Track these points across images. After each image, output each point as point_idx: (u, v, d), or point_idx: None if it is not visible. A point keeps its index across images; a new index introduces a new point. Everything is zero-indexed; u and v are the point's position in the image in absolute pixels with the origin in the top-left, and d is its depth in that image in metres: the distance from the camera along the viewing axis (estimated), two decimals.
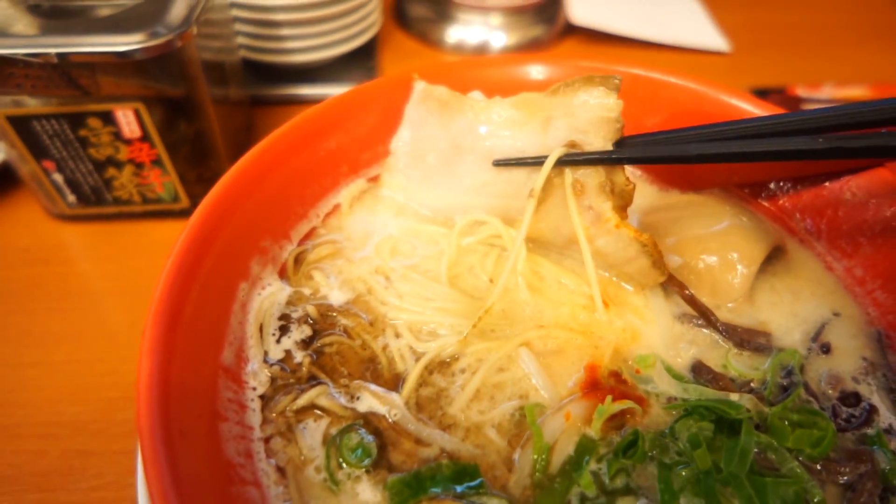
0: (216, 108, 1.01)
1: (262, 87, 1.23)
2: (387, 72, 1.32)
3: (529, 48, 1.42)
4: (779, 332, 0.63)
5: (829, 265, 0.69)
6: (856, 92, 1.28)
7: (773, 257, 0.68)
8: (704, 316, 0.61)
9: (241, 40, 1.18)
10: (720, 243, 0.64)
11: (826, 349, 0.61)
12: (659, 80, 0.78)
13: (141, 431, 0.43)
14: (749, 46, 1.41)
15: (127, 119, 0.87)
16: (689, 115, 0.78)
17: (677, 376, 0.58)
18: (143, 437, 0.43)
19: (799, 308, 0.65)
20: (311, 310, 0.61)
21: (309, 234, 0.71)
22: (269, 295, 0.63)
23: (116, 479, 0.70)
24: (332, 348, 0.59)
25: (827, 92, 1.28)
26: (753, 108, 0.74)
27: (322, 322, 0.61)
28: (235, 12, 1.13)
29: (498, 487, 0.51)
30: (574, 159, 0.60)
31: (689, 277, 0.64)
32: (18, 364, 0.82)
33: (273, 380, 0.57)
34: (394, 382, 0.57)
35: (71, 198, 0.96)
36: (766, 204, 0.76)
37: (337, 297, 0.64)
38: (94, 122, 0.87)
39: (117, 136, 0.89)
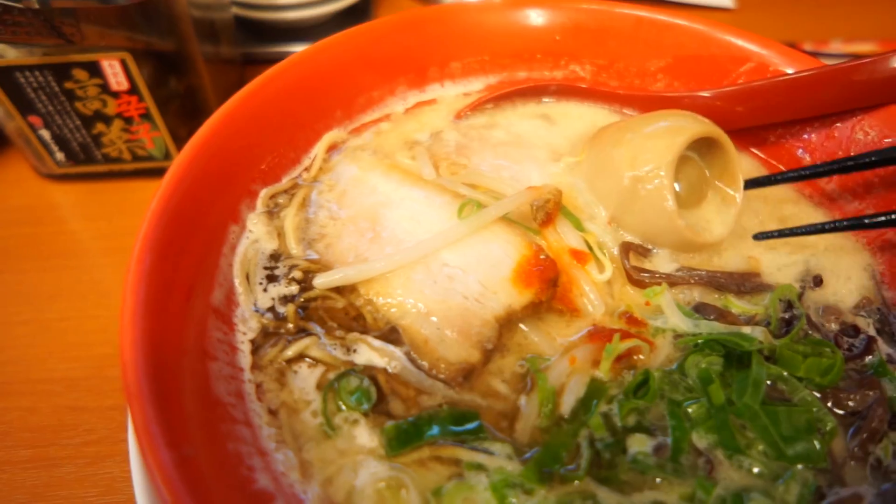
0: (207, 65, 0.98)
1: (254, 45, 1.20)
2: None
3: None
4: (769, 268, 0.61)
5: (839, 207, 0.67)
6: (864, 47, 1.25)
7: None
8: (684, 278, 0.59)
9: None
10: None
11: (818, 281, 0.60)
12: (663, 22, 0.75)
13: (124, 365, 0.41)
14: (756, 2, 1.37)
15: (114, 70, 0.84)
16: (694, 60, 0.75)
17: (686, 311, 0.56)
18: (127, 372, 0.41)
19: (792, 245, 0.63)
20: (296, 266, 0.58)
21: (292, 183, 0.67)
22: (253, 242, 0.60)
23: (108, 434, 0.69)
24: (318, 303, 0.56)
25: (835, 48, 1.25)
26: (760, 49, 0.72)
27: (307, 280, 0.58)
28: None
29: (504, 434, 0.49)
30: None
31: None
32: (9, 322, 0.80)
33: (263, 327, 0.55)
34: (388, 334, 0.54)
35: (59, 155, 0.94)
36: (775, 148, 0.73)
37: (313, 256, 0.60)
38: (79, 74, 0.84)
39: (104, 88, 0.86)
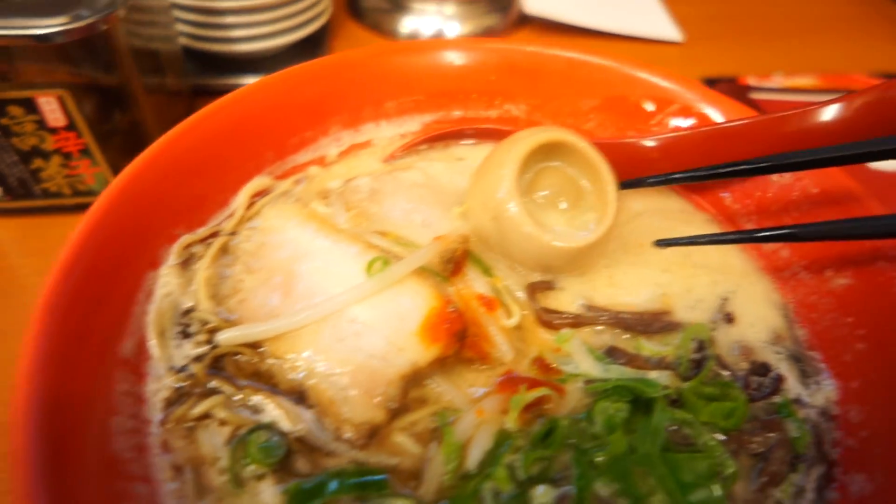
0: (151, 98, 0.98)
1: (205, 76, 1.20)
2: None
3: (484, 38, 1.40)
4: (683, 306, 0.63)
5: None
6: (805, 81, 1.29)
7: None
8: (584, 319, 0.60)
9: (182, 28, 1.15)
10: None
11: (729, 319, 0.62)
12: (593, 63, 0.77)
13: (13, 421, 0.41)
14: (702, 36, 1.41)
15: (51, 107, 0.84)
16: (623, 100, 0.77)
17: (598, 356, 0.57)
18: (15, 428, 0.40)
19: (705, 282, 0.65)
20: (207, 322, 0.58)
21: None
22: (166, 296, 0.59)
23: None
24: (228, 360, 0.55)
25: (777, 81, 1.29)
26: (685, 91, 0.74)
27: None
28: None
29: (411, 490, 0.49)
30: None
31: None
32: None
33: (176, 384, 0.54)
34: (296, 393, 0.53)
35: None
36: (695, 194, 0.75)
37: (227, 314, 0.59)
38: (14, 110, 0.83)
39: (41, 124, 0.85)
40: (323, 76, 0.74)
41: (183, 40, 1.16)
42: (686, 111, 0.74)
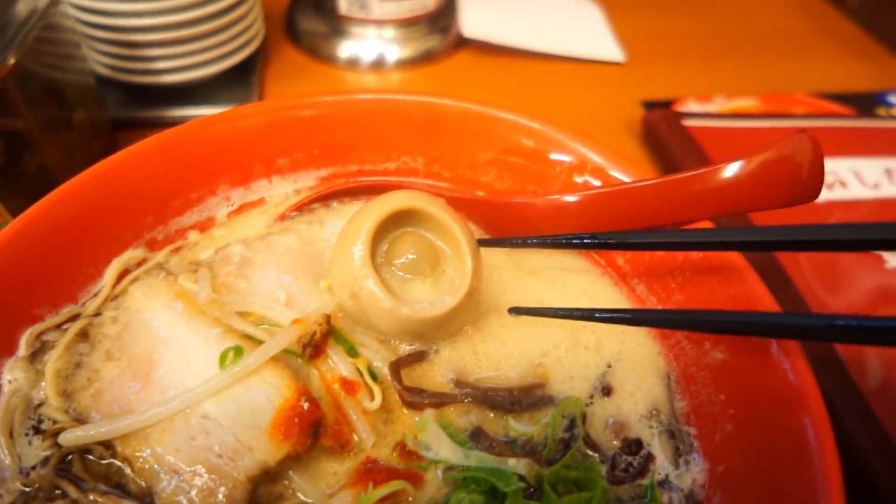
0: (57, 138, 0.96)
1: (127, 108, 1.17)
2: (270, 90, 1.27)
3: (424, 61, 1.38)
4: (561, 376, 0.61)
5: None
6: (746, 103, 1.27)
7: None
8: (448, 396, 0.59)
9: (101, 59, 1.12)
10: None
11: (607, 391, 0.61)
12: (488, 115, 0.75)
13: None
14: (645, 56, 1.39)
15: None
16: (519, 153, 0.75)
17: (458, 439, 0.55)
18: None
19: (588, 346, 0.64)
20: (55, 420, 0.55)
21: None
22: (16, 392, 0.56)
23: None
24: (77, 461, 0.53)
25: (718, 103, 1.27)
26: (579, 146, 0.72)
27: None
28: (90, 31, 1.07)
29: None
30: None
31: None
32: None
33: (24, 490, 0.51)
34: (143, 496, 0.51)
35: None
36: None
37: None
38: None
39: None
40: (206, 135, 0.72)
41: (102, 70, 1.14)
42: (582, 166, 0.72)
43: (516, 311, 0.64)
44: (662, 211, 0.62)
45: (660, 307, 0.66)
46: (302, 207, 0.75)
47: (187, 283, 0.63)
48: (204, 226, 0.73)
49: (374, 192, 0.76)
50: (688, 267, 0.64)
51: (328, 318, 0.58)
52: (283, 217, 0.74)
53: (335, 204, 0.76)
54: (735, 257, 0.60)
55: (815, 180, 0.53)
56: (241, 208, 0.75)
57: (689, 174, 0.60)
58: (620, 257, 0.71)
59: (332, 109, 0.76)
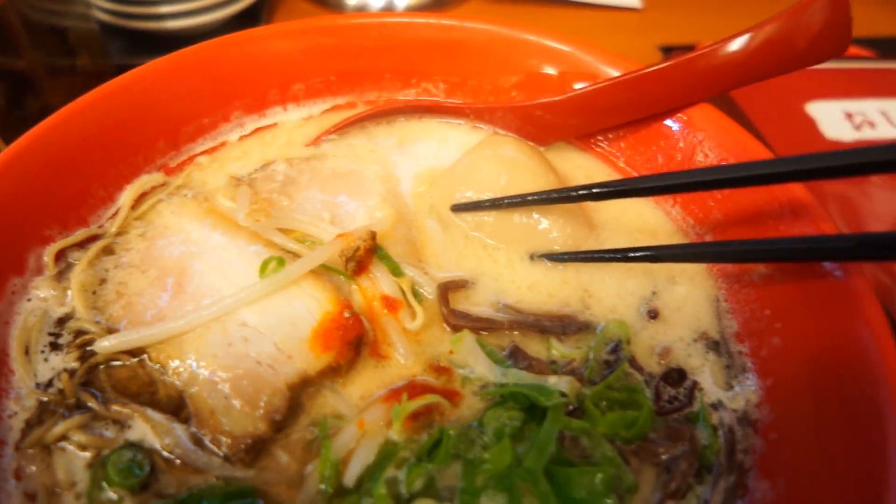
0: (60, 81, 0.93)
1: (131, 56, 1.13)
2: None
3: (434, 8, 1.34)
4: (608, 304, 0.59)
5: (682, 229, 0.65)
6: None
7: None
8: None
9: (103, 3, 1.08)
10: None
11: (654, 315, 0.58)
12: (513, 38, 0.71)
13: None
14: (662, 1, 1.34)
15: None
16: (545, 76, 0.72)
17: (496, 358, 0.53)
18: None
19: (630, 276, 0.61)
20: (82, 331, 0.54)
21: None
22: (35, 309, 0.55)
23: None
24: (103, 371, 0.51)
25: None
26: (609, 68, 0.68)
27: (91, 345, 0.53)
28: None
29: None
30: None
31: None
32: None
33: (41, 404, 0.50)
34: (173, 407, 0.50)
35: None
36: (627, 170, 0.70)
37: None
38: None
39: None
40: (222, 57, 0.68)
41: (104, 17, 1.10)
42: None
43: (550, 257, 0.61)
44: (680, 90, 0.63)
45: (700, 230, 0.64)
46: (333, 132, 0.72)
47: (223, 201, 0.60)
48: (217, 151, 0.70)
49: (413, 111, 0.73)
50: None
51: (373, 235, 0.56)
52: (318, 140, 0.71)
53: (370, 126, 0.73)
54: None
55: (839, 32, 0.52)
56: (254, 132, 0.72)
57: (697, 53, 0.61)
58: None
59: (350, 33, 0.72)
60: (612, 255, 0.58)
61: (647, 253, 0.56)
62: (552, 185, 0.62)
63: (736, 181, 0.49)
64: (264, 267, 0.54)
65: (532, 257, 0.61)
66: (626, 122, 0.68)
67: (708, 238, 0.63)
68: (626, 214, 0.66)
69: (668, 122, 0.66)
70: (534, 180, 0.61)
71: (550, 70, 0.72)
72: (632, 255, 0.56)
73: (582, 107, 0.68)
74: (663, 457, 0.49)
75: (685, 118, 0.64)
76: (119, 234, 0.61)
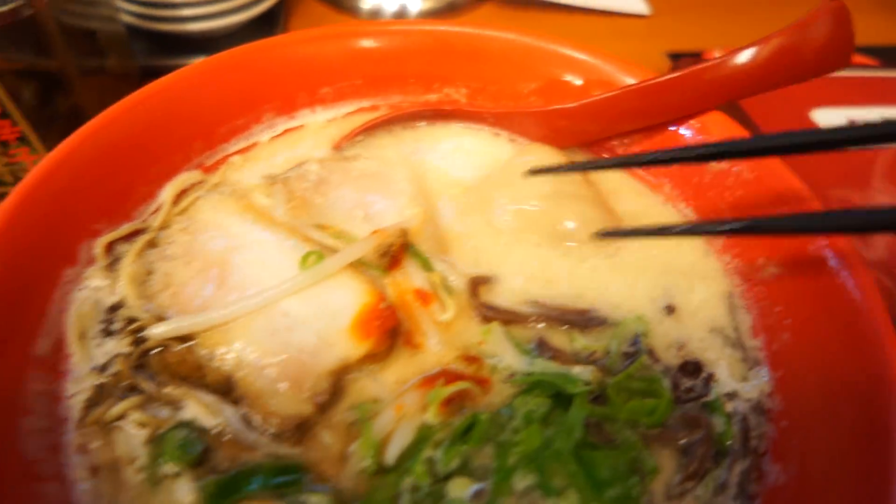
0: (91, 81, 0.95)
1: (154, 58, 1.17)
2: None
3: (447, 13, 1.37)
4: (627, 297, 0.62)
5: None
6: None
7: None
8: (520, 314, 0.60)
9: (127, 6, 1.11)
10: None
11: (671, 310, 0.61)
12: (530, 45, 0.75)
13: None
14: (670, 8, 1.38)
15: None
16: (562, 83, 0.75)
17: (523, 349, 0.56)
18: None
19: (647, 272, 0.64)
20: (134, 319, 0.57)
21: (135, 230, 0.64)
22: (89, 297, 0.58)
23: None
24: (155, 356, 0.54)
25: None
26: (626, 76, 0.72)
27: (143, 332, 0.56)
28: None
29: (329, 484, 0.49)
30: None
31: None
32: None
33: (97, 386, 0.53)
34: (222, 390, 0.53)
35: None
36: (640, 172, 0.74)
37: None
38: None
39: None
40: (254, 62, 0.71)
41: (129, 19, 1.13)
42: None
43: (604, 234, 0.63)
44: (689, 99, 0.66)
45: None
46: (357, 134, 0.75)
47: (260, 198, 0.63)
48: (249, 151, 0.73)
49: (436, 115, 0.76)
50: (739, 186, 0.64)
51: (406, 232, 0.59)
52: (338, 146, 0.74)
53: (396, 129, 0.77)
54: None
55: (842, 45, 0.55)
56: (284, 133, 0.75)
57: (706, 64, 0.64)
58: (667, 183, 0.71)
59: (377, 39, 0.75)
60: (697, 229, 0.61)
61: (744, 224, 0.52)
62: (590, 193, 0.65)
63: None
64: (305, 260, 0.57)
65: (568, 243, 0.65)
66: (641, 129, 0.72)
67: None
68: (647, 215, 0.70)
69: (682, 129, 0.69)
70: (574, 188, 0.65)
71: (568, 77, 0.75)
72: (725, 227, 0.54)
73: (598, 113, 0.70)
74: (682, 442, 0.52)
75: (698, 125, 0.67)
76: (162, 228, 0.64)
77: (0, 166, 0.91)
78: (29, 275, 0.54)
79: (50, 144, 0.90)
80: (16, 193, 0.55)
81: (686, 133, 0.68)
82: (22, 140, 0.88)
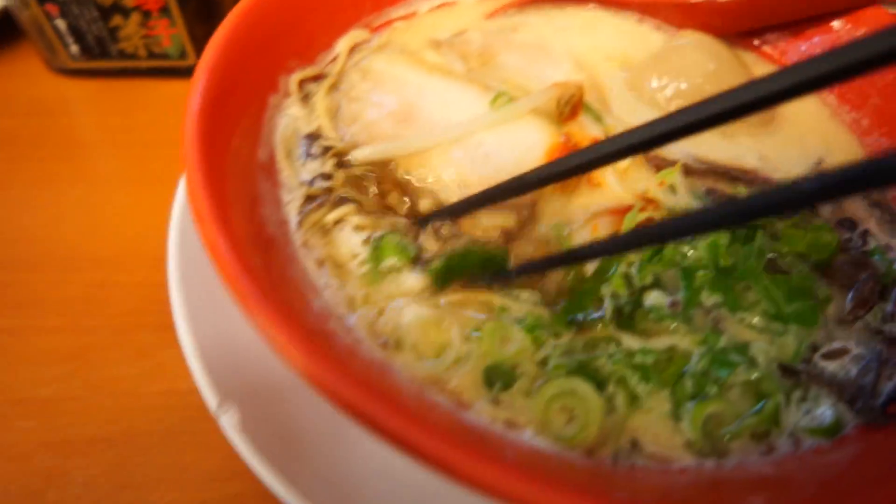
0: None
1: None
2: None
3: None
4: (782, 162, 0.66)
5: (838, 115, 0.72)
6: None
7: None
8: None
9: None
10: None
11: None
12: None
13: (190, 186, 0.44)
14: None
15: None
16: None
17: (697, 194, 0.60)
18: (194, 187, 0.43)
19: (800, 149, 0.68)
20: (332, 146, 0.60)
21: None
22: (289, 124, 0.61)
23: (140, 306, 0.72)
24: (358, 177, 0.58)
25: None
26: None
27: (344, 158, 0.60)
28: None
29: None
30: None
31: None
32: (31, 205, 0.81)
33: (307, 196, 0.57)
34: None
35: (74, 48, 0.93)
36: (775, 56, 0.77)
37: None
38: None
39: None
40: None
41: None
42: None
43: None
44: None
45: None
46: (510, 7, 0.78)
47: (433, 56, 0.67)
48: (407, 19, 0.77)
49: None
50: None
51: (583, 87, 0.62)
52: (492, 15, 0.77)
53: (546, 7, 0.79)
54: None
55: None
56: (441, 6, 0.78)
57: None
58: None
59: None
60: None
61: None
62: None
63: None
64: (496, 100, 0.61)
65: None
66: (790, 23, 0.74)
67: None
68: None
69: (834, 23, 0.71)
70: (732, 74, 0.68)
71: None
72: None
73: (747, 5, 0.73)
74: (850, 280, 0.57)
75: (852, 21, 0.70)
76: (340, 75, 0.67)
77: (137, 38, 0.94)
78: (246, 92, 0.57)
79: (187, 20, 0.93)
80: (230, 20, 0.58)
81: (837, 25, 0.71)
82: (163, 11, 0.91)
